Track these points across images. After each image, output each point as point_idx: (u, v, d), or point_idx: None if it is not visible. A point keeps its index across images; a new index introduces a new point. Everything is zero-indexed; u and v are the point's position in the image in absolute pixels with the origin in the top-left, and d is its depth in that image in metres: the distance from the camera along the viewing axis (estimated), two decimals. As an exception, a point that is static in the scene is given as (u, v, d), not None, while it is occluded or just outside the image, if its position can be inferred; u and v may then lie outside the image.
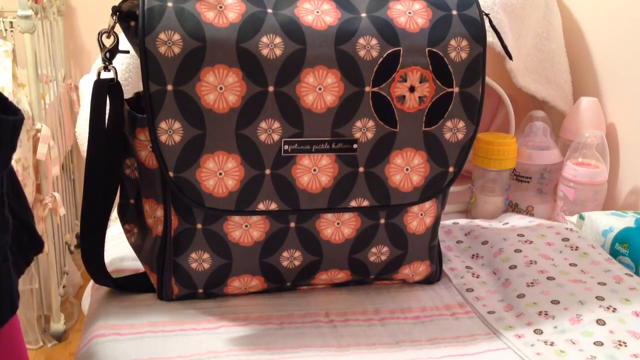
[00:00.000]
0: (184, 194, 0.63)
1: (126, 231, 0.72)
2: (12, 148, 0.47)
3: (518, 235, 0.82)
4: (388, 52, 0.64)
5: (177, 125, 0.62)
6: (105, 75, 0.65)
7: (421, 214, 0.71)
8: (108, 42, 0.64)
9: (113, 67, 0.65)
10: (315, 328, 0.66)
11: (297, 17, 0.63)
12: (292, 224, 0.68)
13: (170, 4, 0.60)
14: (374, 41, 0.64)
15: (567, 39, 1.07)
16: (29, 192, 1.38)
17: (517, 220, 0.89)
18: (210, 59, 0.60)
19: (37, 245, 0.57)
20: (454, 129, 0.68)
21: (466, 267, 0.79)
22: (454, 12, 0.67)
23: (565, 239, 0.80)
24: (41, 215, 1.46)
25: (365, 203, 0.68)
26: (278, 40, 0.61)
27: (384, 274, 0.73)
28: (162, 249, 0.67)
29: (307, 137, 0.64)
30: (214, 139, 0.62)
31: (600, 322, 0.65)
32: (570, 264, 0.76)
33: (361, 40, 0.63)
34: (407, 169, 0.68)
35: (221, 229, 0.66)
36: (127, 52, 0.67)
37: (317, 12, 0.64)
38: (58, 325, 1.64)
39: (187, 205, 0.65)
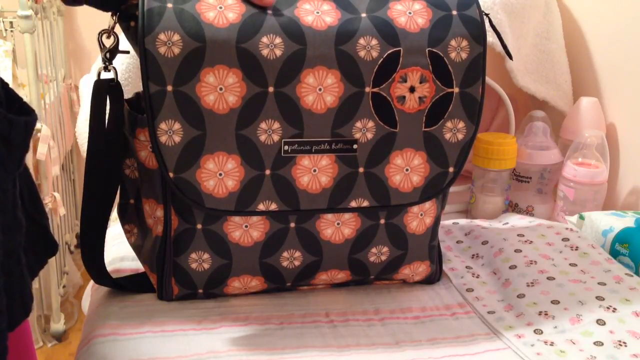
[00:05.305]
0: (184, 194, 0.64)
1: (126, 231, 0.72)
2: (25, 149, 0.47)
3: (518, 235, 0.82)
4: (388, 52, 0.64)
5: (177, 125, 0.62)
6: (105, 75, 0.65)
7: (421, 214, 0.71)
8: (108, 42, 0.64)
9: (113, 67, 0.65)
10: (315, 328, 0.66)
11: (297, 17, 0.63)
12: (292, 224, 0.68)
13: (170, 5, 0.60)
14: (374, 41, 0.64)
15: (567, 39, 1.07)
16: (29, 192, 1.38)
17: (517, 220, 0.89)
18: (210, 60, 0.60)
19: (51, 247, 0.57)
20: (454, 129, 0.68)
21: (466, 267, 0.79)
22: (454, 12, 0.67)
23: (565, 239, 0.80)
24: (41, 215, 1.46)
25: (365, 203, 0.68)
26: (278, 40, 0.61)
27: (384, 274, 0.73)
28: (162, 249, 0.67)
29: (307, 138, 0.64)
30: (214, 139, 0.62)
31: (600, 322, 0.65)
32: (570, 264, 0.76)
33: (361, 41, 0.63)
34: (407, 169, 0.68)
35: (221, 229, 0.66)
36: (127, 52, 0.67)
37: (317, 12, 0.64)
38: (58, 325, 1.64)
39: (187, 206, 0.65)
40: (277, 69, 0.62)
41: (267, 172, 0.65)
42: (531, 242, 0.80)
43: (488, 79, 0.92)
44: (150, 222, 0.68)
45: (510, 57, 0.75)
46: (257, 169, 0.64)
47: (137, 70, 0.93)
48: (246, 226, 0.67)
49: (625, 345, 0.62)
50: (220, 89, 0.61)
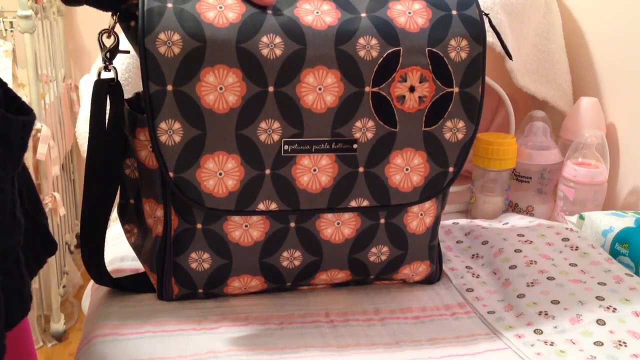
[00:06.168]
0: (184, 194, 0.63)
1: (126, 231, 0.72)
2: (23, 148, 0.47)
3: (518, 235, 0.82)
4: (388, 52, 0.64)
5: (177, 125, 0.62)
6: (105, 75, 0.65)
7: (421, 214, 0.71)
8: (108, 42, 0.64)
9: (113, 67, 0.65)
10: (315, 328, 0.66)
11: (297, 17, 0.63)
12: (292, 224, 0.68)
13: (170, 5, 0.60)
14: (374, 41, 0.64)
15: (567, 39, 1.07)
16: (29, 192, 1.38)
17: (517, 220, 0.89)
18: (210, 59, 0.60)
19: (50, 246, 0.57)
20: (453, 129, 0.68)
21: (466, 267, 0.79)
22: (454, 12, 0.67)
23: (565, 239, 0.80)
24: (41, 215, 1.46)
25: (365, 203, 0.68)
26: (278, 40, 0.61)
27: (384, 274, 0.73)
28: (162, 249, 0.67)
29: (307, 137, 0.64)
30: (214, 139, 0.62)
31: (600, 322, 0.65)
32: (570, 264, 0.76)
33: (361, 40, 0.63)
34: (407, 169, 0.68)
35: (221, 229, 0.66)
36: (128, 52, 0.67)
37: (317, 12, 0.64)
38: (58, 325, 1.64)
39: (187, 205, 0.65)
40: (277, 69, 0.62)
41: (267, 171, 0.65)
42: (531, 242, 0.80)
43: (488, 79, 0.92)
44: (150, 222, 0.68)
45: (510, 57, 0.75)
46: (257, 168, 0.64)
47: (137, 70, 0.93)
48: (246, 226, 0.67)
49: (625, 345, 0.62)
50: (220, 88, 0.61)
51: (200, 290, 0.69)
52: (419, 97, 0.66)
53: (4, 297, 0.46)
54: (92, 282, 0.76)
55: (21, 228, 0.49)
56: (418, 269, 0.74)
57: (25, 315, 0.52)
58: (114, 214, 0.88)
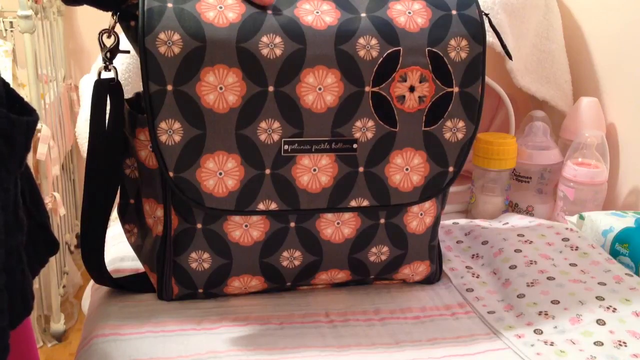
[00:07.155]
0: (184, 194, 0.64)
1: (126, 231, 0.72)
2: (26, 148, 0.48)
3: (518, 235, 0.82)
4: (388, 52, 0.64)
5: (177, 125, 0.62)
6: (105, 75, 0.65)
7: (421, 214, 0.71)
8: (109, 42, 0.64)
9: (113, 67, 0.65)
10: (315, 328, 0.66)
11: (297, 17, 0.63)
12: (292, 224, 0.68)
13: (170, 4, 0.60)
14: (373, 41, 0.64)
15: (567, 39, 1.07)
16: (29, 192, 1.38)
17: (517, 220, 0.89)
18: (210, 59, 0.60)
19: (52, 246, 0.57)
20: (453, 129, 0.68)
21: (466, 267, 0.79)
22: (454, 12, 0.67)
23: (565, 239, 0.80)
24: (41, 215, 1.46)
25: (365, 203, 0.68)
26: (278, 40, 0.61)
27: (384, 273, 0.73)
28: (162, 249, 0.67)
29: (307, 137, 0.64)
30: (214, 139, 0.62)
31: (600, 322, 0.65)
32: (570, 264, 0.76)
33: (361, 40, 0.63)
34: (407, 168, 0.68)
35: (221, 228, 0.66)
36: (128, 52, 0.67)
37: (317, 12, 0.64)
38: (58, 325, 1.64)
39: (187, 205, 0.65)
40: (277, 69, 0.62)
41: (267, 171, 0.65)
42: (531, 242, 0.80)
43: (488, 79, 0.92)
44: (150, 222, 0.68)
45: (510, 57, 0.75)
46: (257, 168, 0.64)
47: (137, 70, 0.93)
48: (246, 226, 0.67)
49: (625, 345, 0.62)
50: (220, 88, 0.61)
51: (200, 290, 0.69)
52: (419, 97, 0.66)
53: (7, 296, 0.46)
54: (92, 282, 0.76)
55: (24, 228, 0.49)
56: (418, 269, 0.74)
57: (28, 314, 0.52)
58: (114, 214, 0.88)
